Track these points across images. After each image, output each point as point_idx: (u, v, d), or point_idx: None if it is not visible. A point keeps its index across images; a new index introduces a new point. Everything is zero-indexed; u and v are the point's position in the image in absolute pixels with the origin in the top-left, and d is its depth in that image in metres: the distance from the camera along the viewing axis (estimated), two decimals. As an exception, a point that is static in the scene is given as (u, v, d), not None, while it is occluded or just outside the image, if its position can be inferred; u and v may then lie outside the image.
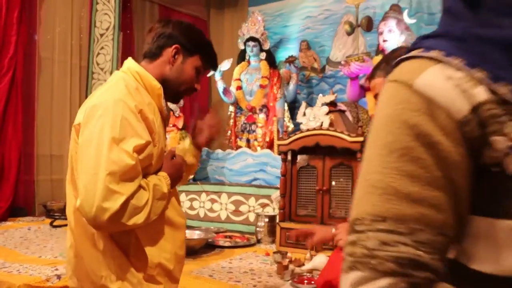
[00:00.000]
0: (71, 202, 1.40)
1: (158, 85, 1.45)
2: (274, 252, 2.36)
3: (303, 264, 2.42)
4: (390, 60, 1.52)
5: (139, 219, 1.25)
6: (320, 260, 2.21)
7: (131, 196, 1.23)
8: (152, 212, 1.29)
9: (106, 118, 1.26)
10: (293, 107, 5.07)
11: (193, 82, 1.54)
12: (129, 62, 1.49)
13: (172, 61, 1.47)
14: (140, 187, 1.27)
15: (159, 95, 1.46)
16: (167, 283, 1.43)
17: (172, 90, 1.50)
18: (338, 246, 1.50)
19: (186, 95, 1.60)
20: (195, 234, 2.92)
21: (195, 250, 2.66)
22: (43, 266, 2.44)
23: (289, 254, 2.41)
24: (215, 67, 1.65)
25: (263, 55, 4.99)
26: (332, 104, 2.95)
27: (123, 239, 1.35)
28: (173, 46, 1.47)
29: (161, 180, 1.37)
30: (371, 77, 1.63)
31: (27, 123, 4.30)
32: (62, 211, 4.09)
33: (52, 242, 3.17)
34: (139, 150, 1.27)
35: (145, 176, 1.33)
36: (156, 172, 1.40)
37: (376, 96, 1.60)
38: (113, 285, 1.33)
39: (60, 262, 2.54)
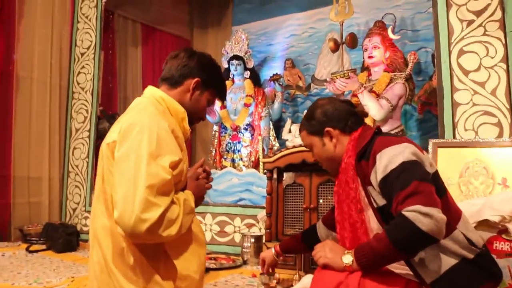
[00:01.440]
0: (99, 219, 1.43)
1: (181, 109, 1.56)
2: (261, 274, 2.24)
3: (292, 285, 2.31)
4: (307, 116, 1.69)
5: (172, 231, 1.30)
6: (309, 280, 2.09)
7: (167, 209, 1.29)
8: (183, 226, 1.35)
9: (144, 135, 1.34)
10: (278, 126, 5.02)
11: (204, 112, 1.68)
12: (151, 89, 1.60)
13: (192, 92, 1.58)
14: (172, 201, 1.33)
15: (183, 118, 1.56)
16: None
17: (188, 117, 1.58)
18: (319, 265, 1.46)
19: (195, 123, 1.69)
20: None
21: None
22: (15, 294, 2.29)
23: (276, 275, 2.29)
24: (224, 99, 1.84)
25: (247, 74, 4.95)
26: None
27: (152, 252, 1.38)
28: (195, 80, 1.58)
29: (189, 197, 1.45)
30: (299, 130, 1.79)
31: (3, 143, 4.14)
32: (40, 235, 3.93)
33: (28, 268, 3.02)
34: (173, 166, 1.34)
35: (175, 192, 1.39)
36: (182, 190, 1.47)
37: (307, 147, 1.75)
38: None
39: (33, 289, 2.40)
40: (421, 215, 1.22)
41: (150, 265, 1.37)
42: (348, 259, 1.36)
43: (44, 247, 3.74)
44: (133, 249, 1.36)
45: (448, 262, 1.32)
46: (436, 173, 1.46)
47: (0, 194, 4.14)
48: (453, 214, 1.40)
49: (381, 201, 1.42)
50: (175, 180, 1.37)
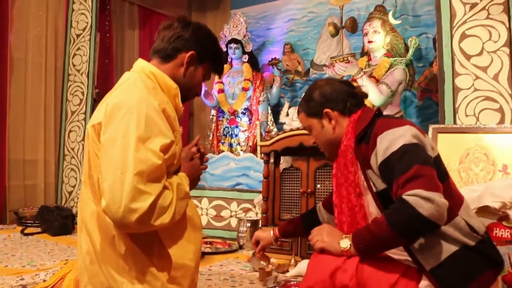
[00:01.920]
0: (87, 206, 1.35)
1: (174, 85, 1.44)
2: (253, 254, 2.20)
3: (288, 271, 2.28)
4: (305, 98, 1.64)
5: (165, 219, 1.21)
6: (305, 266, 2.07)
7: (158, 196, 1.20)
8: (176, 212, 1.26)
9: (131, 116, 1.23)
10: (277, 111, 4.96)
11: (199, 88, 1.56)
12: (141, 62, 1.47)
13: (186, 66, 1.46)
14: (164, 187, 1.24)
15: (175, 94, 1.44)
16: (189, 286, 1.39)
17: (181, 94, 1.47)
18: (316, 250, 1.43)
19: (190, 99, 1.60)
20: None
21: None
22: (8, 276, 2.28)
23: (272, 260, 2.27)
24: (220, 74, 1.64)
25: (245, 58, 4.89)
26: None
27: (145, 241, 1.29)
28: (189, 53, 1.45)
29: (183, 180, 1.35)
30: (297, 111, 1.72)
31: (-3, 126, 4.09)
32: (35, 218, 3.90)
33: (22, 251, 3.00)
34: (164, 149, 1.25)
35: (167, 176, 1.29)
36: (175, 172, 1.37)
37: (305, 129, 1.70)
38: None
39: (26, 271, 2.38)
40: (422, 199, 1.18)
41: (143, 254, 1.29)
42: (345, 243, 1.33)
43: (39, 230, 3.72)
44: (125, 237, 1.27)
45: (448, 249, 1.28)
46: (438, 157, 1.42)
47: (-5, 177, 4.10)
48: (455, 200, 1.35)
49: (380, 185, 1.38)
50: (167, 164, 1.28)
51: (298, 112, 1.68)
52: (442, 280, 1.25)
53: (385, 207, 1.34)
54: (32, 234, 3.61)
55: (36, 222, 3.85)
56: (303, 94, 1.72)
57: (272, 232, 1.98)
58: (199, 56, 1.47)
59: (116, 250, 1.28)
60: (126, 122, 1.23)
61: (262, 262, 2.10)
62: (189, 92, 1.51)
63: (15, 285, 2.12)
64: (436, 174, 1.27)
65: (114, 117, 1.25)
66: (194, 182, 1.45)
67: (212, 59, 1.53)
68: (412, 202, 1.19)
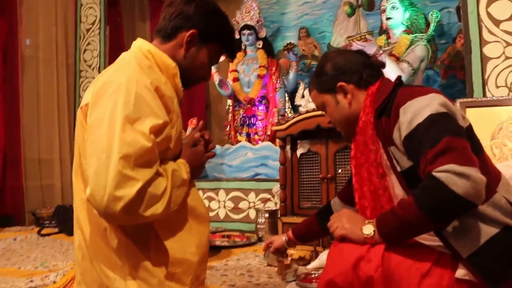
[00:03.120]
0: (78, 196, 1.25)
1: (172, 63, 1.30)
2: (265, 252, 2.06)
3: (309, 263, 2.14)
4: (316, 73, 1.49)
5: (157, 209, 1.09)
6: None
7: (148, 183, 1.07)
8: (172, 202, 1.14)
9: (119, 95, 1.11)
10: (294, 97, 4.80)
11: (205, 71, 1.41)
12: (139, 41, 1.35)
13: (186, 47, 1.32)
14: (157, 173, 1.11)
15: (174, 74, 1.31)
16: (193, 284, 1.26)
17: (182, 77, 1.34)
18: (336, 238, 1.28)
19: (196, 83, 1.44)
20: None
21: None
22: (18, 279, 2.20)
23: (291, 251, 2.12)
24: (232, 57, 1.47)
25: (259, 44, 4.74)
26: (333, 82, 2.66)
27: (140, 233, 1.18)
28: (190, 31, 1.31)
29: (180, 166, 1.23)
30: (309, 89, 1.57)
31: (11, 125, 4.06)
32: (51, 218, 3.84)
33: (37, 252, 2.93)
34: (156, 131, 1.12)
35: (162, 161, 1.17)
36: (174, 159, 1.25)
37: (318, 108, 1.54)
38: None
39: (37, 273, 2.30)
40: (455, 175, 1.01)
41: (138, 248, 1.18)
42: (369, 229, 1.17)
43: (56, 230, 3.65)
44: (117, 230, 1.16)
45: (488, 231, 1.10)
46: (470, 128, 1.24)
47: (12, 177, 4.07)
48: (492, 175, 1.17)
49: (406, 163, 1.22)
50: (161, 148, 1.15)
51: (310, 90, 1.53)
52: (482, 268, 1.08)
53: (412, 188, 1.17)
54: (49, 234, 3.55)
55: (53, 222, 3.79)
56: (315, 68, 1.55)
57: (285, 235, 1.85)
58: (203, 35, 1.33)
59: (108, 244, 1.17)
60: (113, 101, 1.10)
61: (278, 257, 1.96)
62: (191, 75, 1.37)
63: (24, 287, 2.03)
64: (470, 147, 1.10)
65: (102, 97, 1.13)
66: (196, 170, 1.31)
67: (219, 39, 1.37)
68: (444, 179, 1.02)
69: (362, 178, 1.37)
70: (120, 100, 1.10)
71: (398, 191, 1.27)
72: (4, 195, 3.95)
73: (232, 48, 1.45)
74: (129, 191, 1.03)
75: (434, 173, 1.05)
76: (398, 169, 1.24)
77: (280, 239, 1.87)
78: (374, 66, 1.44)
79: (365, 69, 1.41)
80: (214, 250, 2.59)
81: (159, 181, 1.10)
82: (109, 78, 1.17)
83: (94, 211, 1.14)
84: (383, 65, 1.49)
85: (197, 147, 1.35)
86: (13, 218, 4.02)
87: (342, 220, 1.26)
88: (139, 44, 1.33)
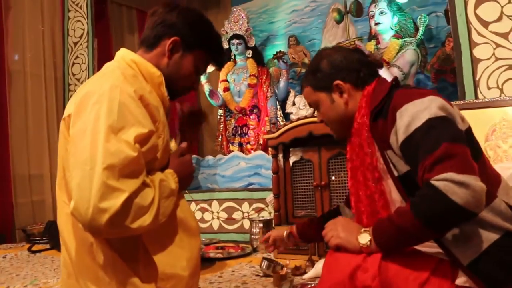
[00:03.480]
0: (63, 211, 1.21)
1: (157, 72, 1.27)
2: (264, 259, 2.03)
3: (305, 272, 2.10)
4: (310, 69, 1.45)
5: (145, 220, 1.05)
6: (323, 266, 1.88)
7: (134, 193, 1.03)
8: (160, 213, 1.10)
9: (102, 104, 1.08)
10: (286, 106, 4.79)
11: (191, 81, 1.37)
12: (122, 51, 1.32)
13: (168, 55, 1.29)
14: (144, 184, 1.08)
15: (159, 83, 1.27)
16: None
17: (168, 86, 1.31)
18: (331, 248, 1.24)
19: (182, 93, 1.39)
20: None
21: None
22: (5, 298, 2.12)
23: (287, 262, 2.08)
24: (220, 65, 1.44)
25: (249, 53, 4.71)
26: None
27: (127, 248, 1.14)
28: (172, 39, 1.28)
29: (168, 176, 1.19)
30: (301, 86, 1.53)
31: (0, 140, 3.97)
32: (42, 234, 3.77)
33: (27, 269, 2.86)
34: (141, 140, 1.09)
35: (149, 172, 1.14)
36: (162, 170, 1.22)
37: (311, 106, 1.49)
38: None
39: (25, 292, 2.23)
40: (454, 184, 0.98)
41: (126, 264, 1.13)
42: (365, 238, 1.14)
43: (47, 246, 3.58)
44: (103, 244, 1.12)
45: (488, 237, 1.07)
46: (469, 130, 1.20)
47: (2, 194, 3.99)
48: (491, 179, 1.14)
49: (403, 168, 1.18)
50: (148, 157, 1.12)
51: (303, 87, 1.47)
52: (484, 275, 1.04)
53: (409, 193, 1.14)
54: (40, 251, 3.48)
55: (44, 238, 3.71)
56: (309, 63, 1.52)
57: (288, 230, 1.79)
58: (186, 42, 1.30)
59: (94, 260, 1.13)
60: (96, 111, 1.07)
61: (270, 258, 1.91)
62: (176, 84, 1.32)
63: (11, 307, 1.97)
64: (469, 152, 1.07)
65: (84, 107, 1.10)
66: (185, 181, 1.27)
67: (204, 46, 1.34)
68: (442, 188, 0.99)
69: (357, 181, 1.33)
70: (103, 109, 1.07)
71: (395, 196, 1.23)
72: (-6, 212, 3.87)
73: (219, 56, 1.41)
74: (114, 202, 0.99)
75: (432, 182, 1.01)
76: (395, 173, 1.20)
77: (281, 231, 1.82)
78: (371, 65, 1.40)
79: (362, 67, 1.37)
80: (208, 262, 2.53)
81: (146, 192, 1.07)
82: (91, 88, 1.13)
83: (79, 225, 1.09)
84: (380, 64, 1.45)
85: (185, 157, 1.31)
86: (3, 235, 3.93)
87: (338, 229, 1.22)
88: (123, 54, 1.30)
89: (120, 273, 1.12)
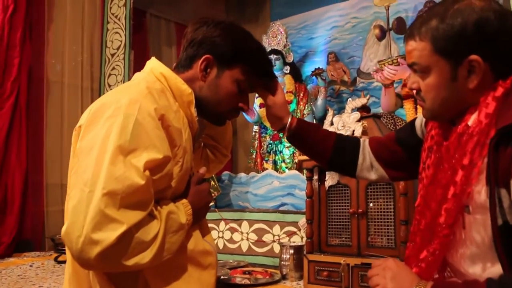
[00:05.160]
0: None
1: (188, 89, 1.15)
2: None
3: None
4: (447, 19, 0.98)
5: (143, 258, 0.94)
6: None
7: (135, 227, 0.92)
8: (165, 249, 0.99)
9: (116, 120, 0.98)
10: (322, 124, 4.64)
11: (235, 101, 1.22)
12: (152, 62, 1.21)
13: (202, 76, 1.18)
14: (149, 216, 0.97)
15: (189, 102, 1.15)
16: None
17: (209, 111, 1.19)
18: None
19: (230, 117, 1.27)
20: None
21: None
22: (25, 313, 2.06)
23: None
24: (268, 78, 1.26)
25: (287, 69, 4.63)
26: (364, 109, 2.48)
27: (126, 282, 1.03)
28: (203, 57, 1.17)
29: (180, 208, 1.07)
30: (409, 33, 1.06)
31: (34, 150, 4.01)
32: (71, 245, 3.74)
33: (51, 281, 2.82)
34: (154, 167, 0.98)
35: (159, 201, 1.03)
36: (176, 199, 1.10)
37: (412, 67, 1.06)
38: None
39: (45, 307, 2.16)
40: None
41: None
42: None
43: (74, 257, 3.54)
44: (100, 277, 1.01)
45: None
46: None
47: (33, 202, 4.01)
48: None
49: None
50: (160, 186, 1.01)
51: (413, 36, 1.04)
52: None
53: (507, 247, 0.89)
54: (65, 261, 3.43)
55: (72, 249, 3.68)
56: (433, 9, 1.04)
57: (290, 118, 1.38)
58: (221, 58, 1.18)
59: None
60: (108, 127, 0.97)
61: None
62: (218, 108, 1.19)
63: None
64: None
65: (97, 120, 1.00)
66: (200, 212, 1.15)
67: (242, 58, 1.19)
68: None
69: (428, 193, 1.07)
70: (116, 125, 0.96)
71: (475, 235, 0.97)
72: (25, 220, 3.88)
73: (263, 66, 1.25)
74: (108, 235, 0.88)
75: None
76: (500, 221, 0.91)
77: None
78: None
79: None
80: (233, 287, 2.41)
81: (150, 226, 0.96)
82: (109, 99, 1.04)
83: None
84: None
85: (202, 185, 1.18)
86: (31, 243, 3.94)
87: (386, 277, 1.00)
88: (152, 65, 1.19)
89: None
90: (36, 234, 4.01)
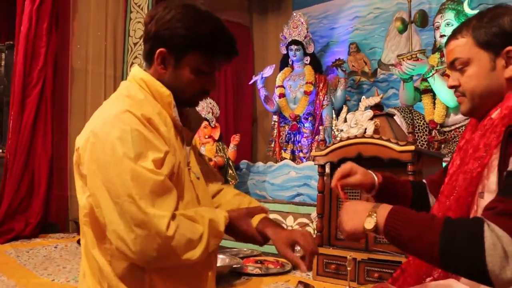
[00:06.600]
0: (82, 229, 1.17)
1: (166, 91, 1.17)
2: (300, 282, 1.95)
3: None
4: (486, 18, 1.11)
5: (194, 254, 1.06)
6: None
7: (176, 211, 1.05)
8: (209, 248, 1.10)
9: (114, 133, 1.05)
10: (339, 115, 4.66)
11: (197, 86, 1.21)
12: (134, 69, 1.24)
13: (161, 69, 1.18)
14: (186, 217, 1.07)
15: (169, 103, 1.18)
16: None
17: (177, 97, 1.20)
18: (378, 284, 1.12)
19: (197, 100, 1.28)
20: (218, 260, 2.54)
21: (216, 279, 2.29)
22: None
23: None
24: (227, 57, 1.22)
25: (307, 60, 4.64)
26: (377, 107, 2.50)
27: (134, 281, 1.09)
28: (157, 52, 1.16)
29: (219, 217, 1.14)
30: (451, 36, 1.17)
31: (59, 136, 4.15)
32: (92, 228, 3.88)
33: (74, 263, 2.95)
34: (160, 164, 1.07)
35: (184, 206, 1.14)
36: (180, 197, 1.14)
37: (453, 64, 1.15)
38: None
39: (66, 288, 2.29)
40: (502, 251, 0.83)
41: None
42: (370, 223, 0.99)
43: (95, 240, 3.67)
44: (111, 274, 1.09)
45: None
46: None
47: (58, 186, 4.16)
48: None
49: None
50: (169, 174, 1.10)
51: (455, 35, 1.16)
52: None
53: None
54: (88, 244, 3.58)
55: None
56: (471, 17, 1.18)
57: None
58: (175, 49, 1.15)
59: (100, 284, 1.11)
60: (110, 143, 1.05)
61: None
62: (184, 95, 1.21)
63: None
64: None
65: (95, 153, 1.07)
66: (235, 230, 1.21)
67: (198, 46, 1.16)
68: (487, 243, 0.84)
69: (452, 180, 1.15)
70: (118, 141, 1.04)
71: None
72: (50, 203, 4.03)
73: (221, 48, 1.19)
74: (157, 228, 1.00)
75: (485, 226, 0.86)
76: None
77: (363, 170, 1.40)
78: None
79: None
80: (245, 276, 2.49)
81: (193, 226, 1.07)
82: (98, 131, 1.08)
83: (89, 249, 1.09)
84: None
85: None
86: (56, 225, 4.10)
87: (342, 213, 1.09)
88: (134, 73, 1.22)
89: None
90: (60, 217, 4.17)
